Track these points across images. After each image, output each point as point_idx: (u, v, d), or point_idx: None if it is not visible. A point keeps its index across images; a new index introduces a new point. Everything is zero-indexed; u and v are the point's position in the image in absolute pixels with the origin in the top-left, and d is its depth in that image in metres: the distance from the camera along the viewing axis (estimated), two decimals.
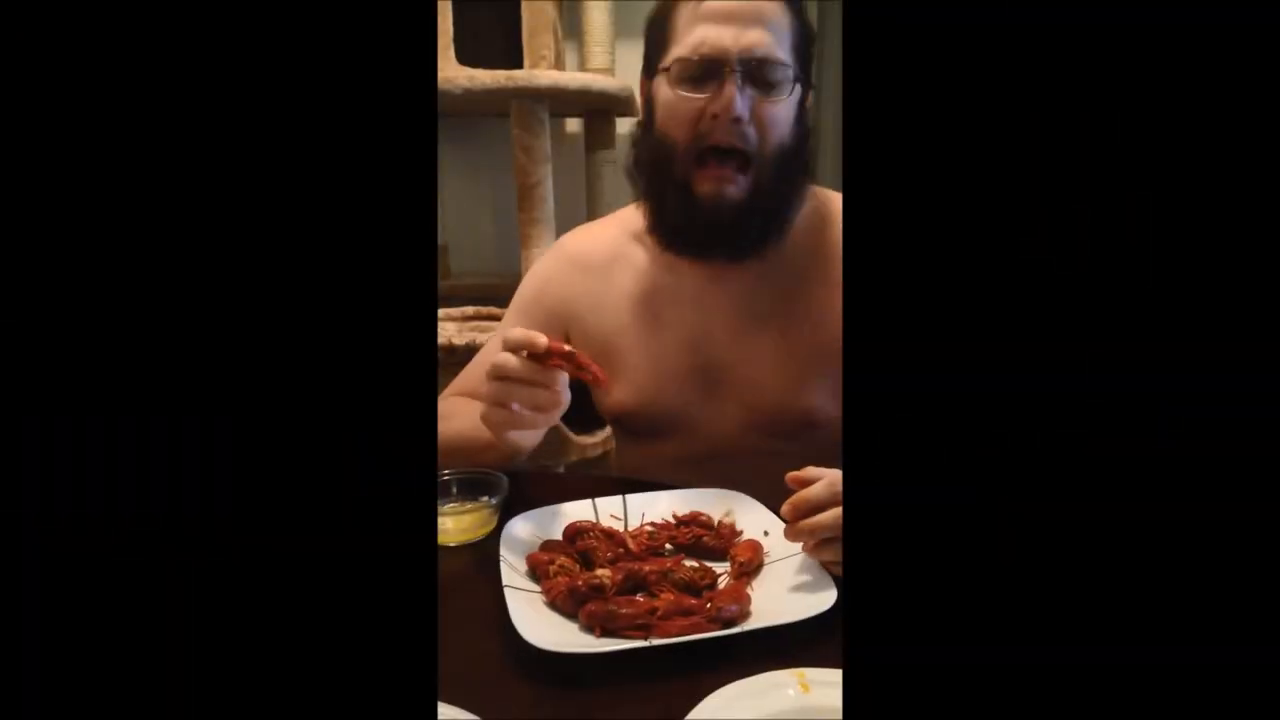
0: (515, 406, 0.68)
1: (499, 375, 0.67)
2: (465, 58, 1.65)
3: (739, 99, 0.75)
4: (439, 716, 0.46)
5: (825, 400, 0.85)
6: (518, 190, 1.71)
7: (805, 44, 0.80)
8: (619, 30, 1.96)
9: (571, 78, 1.63)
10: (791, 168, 0.81)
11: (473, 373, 0.93)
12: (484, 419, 0.71)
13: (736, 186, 0.78)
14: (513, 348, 0.67)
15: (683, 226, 0.81)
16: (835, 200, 0.90)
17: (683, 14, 0.78)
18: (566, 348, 0.67)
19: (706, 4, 0.77)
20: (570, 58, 2.07)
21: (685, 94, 0.77)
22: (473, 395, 0.89)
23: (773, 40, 0.76)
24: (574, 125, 2.23)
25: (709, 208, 0.78)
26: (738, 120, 0.75)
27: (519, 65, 1.67)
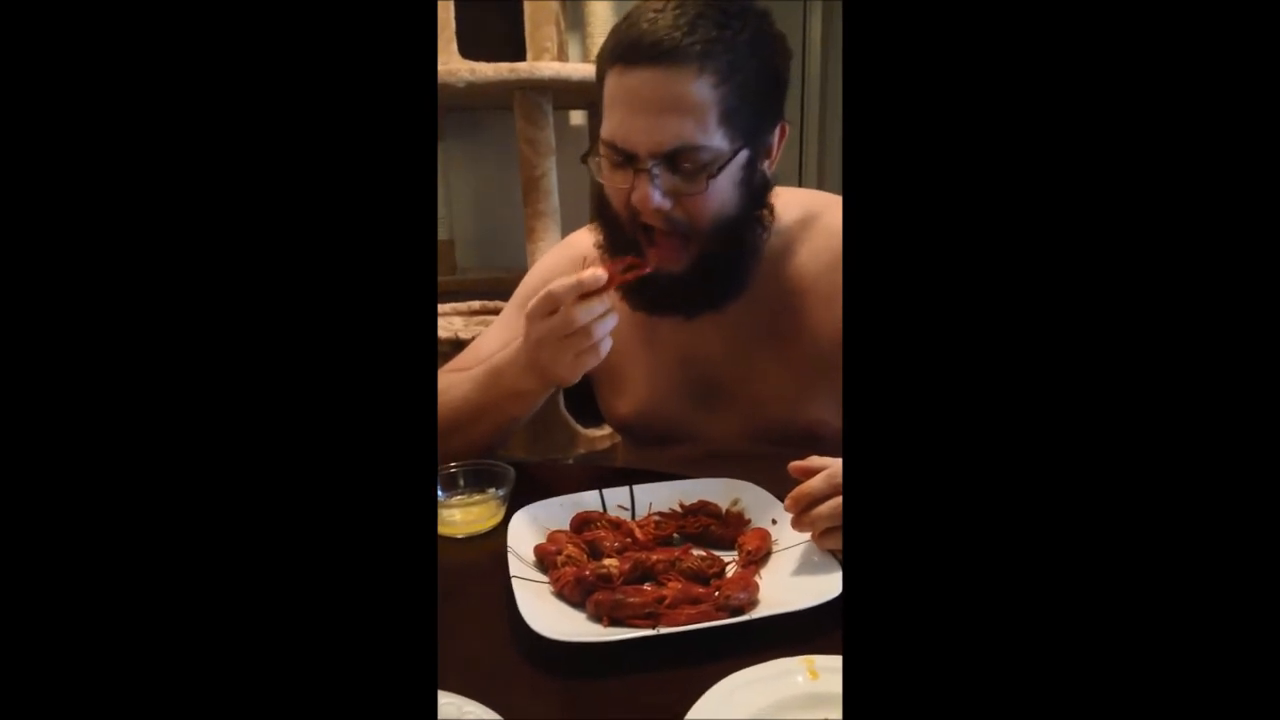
0: (597, 335, 0.70)
1: (579, 299, 0.68)
2: (468, 51, 1.65)
3: (654, 194, 0.71)
4: (449, 708, 0.46)
5: (829, 413, 0.84)
6: (522, 183, 1.71)
7: (754, 97, 0.72)
8: None
9: (575, 69, 1.63)
10: (740, 230, 0.76)
11: (466, 356, 0.93)
12: (543, 358, 0.71)
13: (679, 261, 0.75)
14: (583, 292, 0.68)
15: (634, 290, 0.77)
16: (827, 209, 0.85)
17: (608, 84, 0.72)
18: (618, 272, 0.70)
19: (621, 80, 0.70)
20: (573, 50, 2.06)
21: (611, 178, 0.74)
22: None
23: (690, 125, 0.69)
24: (578, 118, 2.22)
25: (656, 278, 0.75)
26: (659, 211, 0.72)
27: (522, 58, 1.67)
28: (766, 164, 0.78)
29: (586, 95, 1.81)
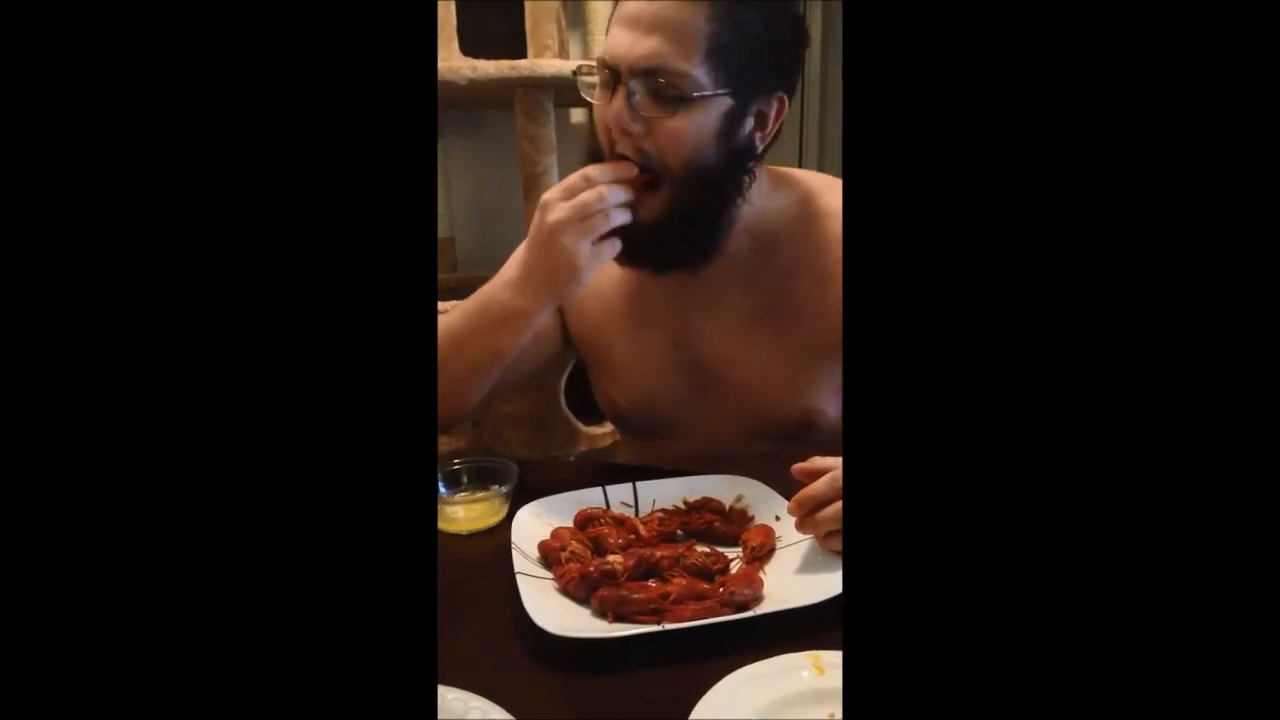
0: (615, 221, 0.70)
1: (599, 195, 0.69)
2: (469, 49, 1.64)
3: (626, 112, 0.70)
4: (454, 704, 0.46)
5: (825, 401, 0.82)
6: (523, 180, 1.71)
7: (751, 49, 0.70)
8: None
9: (576, 66, 1.62)
10: (714, 185, 0.74)
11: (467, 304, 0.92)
12: (571, 239, 0.70)
13: (649, 206, 0.73)
14: (613, 179, 0.70)
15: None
16: (825, 190, 0.83)
17: (616, 9, 0.72)
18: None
19: (622, 4, 0.71)
20: (574, 48, 2.06)
21: (596, 95, 0.74)
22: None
23: (672, 50, 0.67)
24: (579, 115, 2.22)
25: (626, 226, 0.73)
26: (627, 133, 0.71)
27: (523, 56, 1.67)
28: (758, 134, 0.75)
29: None
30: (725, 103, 0.71)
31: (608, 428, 1.71)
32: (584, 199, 0.69)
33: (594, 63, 0.74)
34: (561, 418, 1.68)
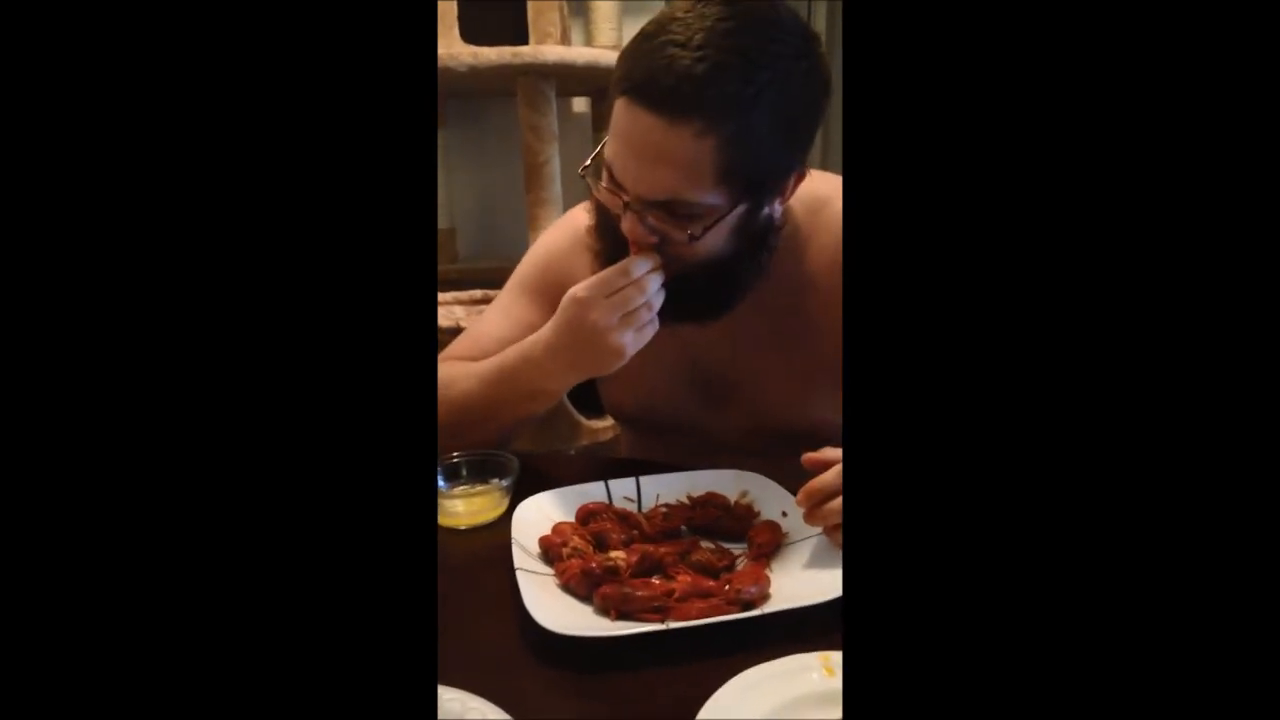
0: (657, 308, 0.70)
1: (641, 290, 0.69)
2: (470, 36, 1.62)
3: (640, 229, 0.68)
4: (452, 704, 0.45)
5: (832, 413, 0.82)
6: (525, 170, 1.69)
7: (765, 155, 0.66)
8: (626, 8, 1.92)
9: (579, 53, 1.60)
10: (734, 267, 0.73)
11: (464, 343, 0.90)
12: (616, 336, 0.69)
13: (667, 273, 0.71)
14: (650, 270, 0.69)
15: None
16: (834, 195, 0.81)
17: (615, 110, 0.66)
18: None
19: (625, 113, 0.64)
20: (577, 35, 2.04)
21: (605, 197, 0.71)
22: (470, 359, 0.86)
23: (683, 182, 0.64)
24: (581, 105, 2.20)
25: None
26: (645, 244, 0.70)
27: (525, 44, 1.65)
28: (778, 205, 0.73)
29: (590, 81, 1.79)
30: (741, 208, 0.69)
31: (609, 421, 1.70)
32: (627, 295, 0.69)
33: (599, 168, 0.71)
34: (563, 411, 1.67)
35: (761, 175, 0.68)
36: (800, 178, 0.72)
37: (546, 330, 0.74)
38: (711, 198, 0.66)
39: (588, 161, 0.73)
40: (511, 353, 0.78)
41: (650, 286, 0.69)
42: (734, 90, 0.61)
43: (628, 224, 0.69)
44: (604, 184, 0.71)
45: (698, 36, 0.61)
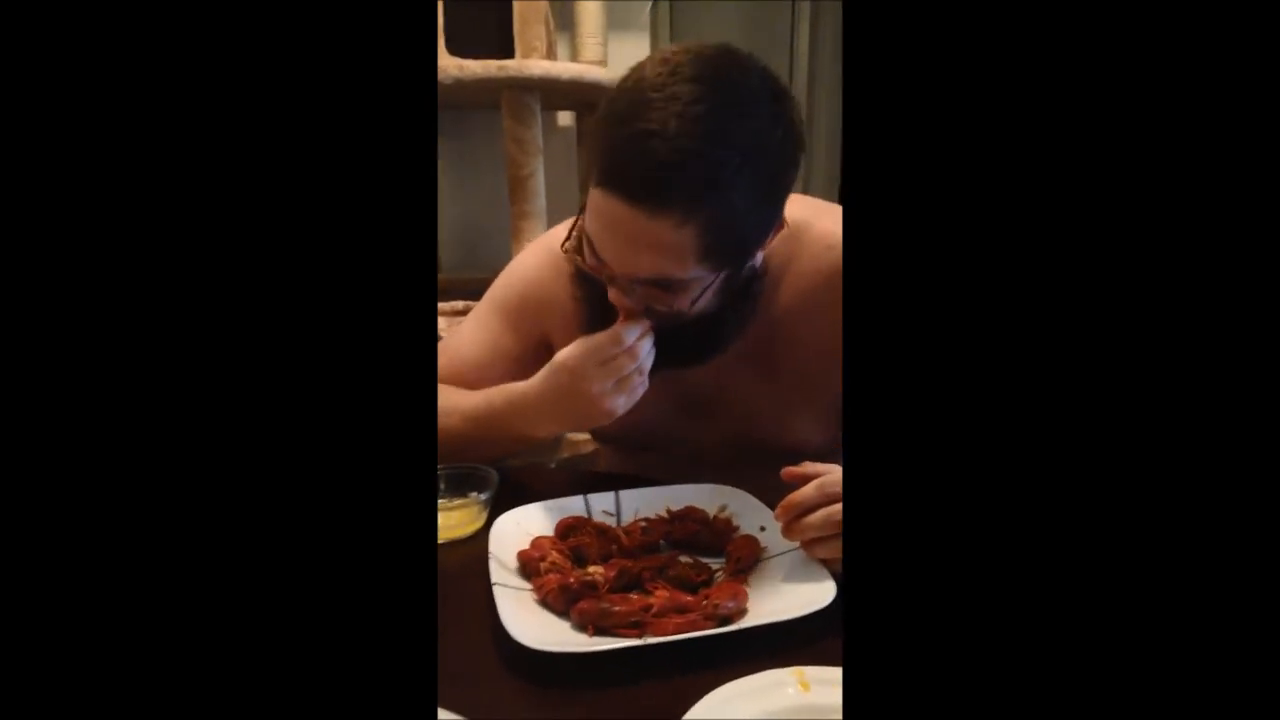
0: (646, 362, 0.71)
1: (633, 357, 0.69)
2: (456, 49, 1.63)
3: (628, 300, 0.69)
4: None
5: (812, 431, 0.83)
6: (509, 182, 1.70)
7: (746, 226, 0.66)
8: (612, 23, 1.94)
9: (564, 67, 1.61)
10: (720, 319, 0.73)
11: (439, 359, 0.89)
12: (609, 402, 0.70)
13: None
14: (641, 335, 0.69)
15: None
16: (814, 218, 0.81)
17: (591, 195, 0.66)
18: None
19: (602, 200, 0.63)
20: (562, 50, 2.05)
21: (591, 266, 0.70)
22: (460, 384, 0.86)
23: (668, 263, 0.64)
24: (566, 119, 2.21)
25: None
26: (630, 312, 0.70)
27: (510, 57, 1.65)
28: (760, 255, 0.73)
29: (575, 95, 1.80)
30: (727, 270, 0.69)
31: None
32: (620, 365, 0.69)
33: (580, 242, 0.70)
34: None
35: (745, 244, 0.69)
36: (780, 227, 0.72)
37: (536, 388, 0.74)
38: (696, 272, 0.66)
39: (568, 235, 0.73)
40: (499, 399, 0.77)
41: (642, 352, 0.69)
42: (712, 176, 0.60)
43: (614, 296, 0.70)
44: (587, 258, 0.70)
45: (672, 124, 0.59)
